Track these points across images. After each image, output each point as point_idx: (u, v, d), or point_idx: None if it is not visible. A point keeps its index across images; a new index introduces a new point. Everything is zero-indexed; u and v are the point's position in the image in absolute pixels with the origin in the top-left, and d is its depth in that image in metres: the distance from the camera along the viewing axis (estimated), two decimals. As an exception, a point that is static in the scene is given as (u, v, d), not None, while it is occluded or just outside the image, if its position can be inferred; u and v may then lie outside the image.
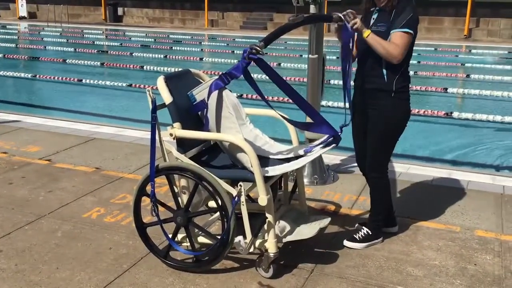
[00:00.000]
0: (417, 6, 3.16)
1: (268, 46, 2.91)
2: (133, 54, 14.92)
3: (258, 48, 2.77)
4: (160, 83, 3.00)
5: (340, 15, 3.08)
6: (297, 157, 3.10)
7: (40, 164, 4.90)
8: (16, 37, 20.40)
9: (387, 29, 3.11)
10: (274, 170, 2.94)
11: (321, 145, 3.10)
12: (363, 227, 3.43)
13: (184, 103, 3.04)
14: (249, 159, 2.80)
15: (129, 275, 3.03)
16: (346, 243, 3.38)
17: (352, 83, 3.28)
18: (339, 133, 3.07)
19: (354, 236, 3.40)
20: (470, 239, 3.52)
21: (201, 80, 3.30)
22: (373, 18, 3.22)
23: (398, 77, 3.16)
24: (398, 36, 3.06)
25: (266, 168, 2.93)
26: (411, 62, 3.26)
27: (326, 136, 3.12)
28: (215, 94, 2.95)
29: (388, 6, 3.12)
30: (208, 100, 2.98)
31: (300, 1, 4.35)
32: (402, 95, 3.22)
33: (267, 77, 2.92)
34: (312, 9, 4.33)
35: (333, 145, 3.08)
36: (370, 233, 3.40)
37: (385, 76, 3.15)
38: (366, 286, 2.95)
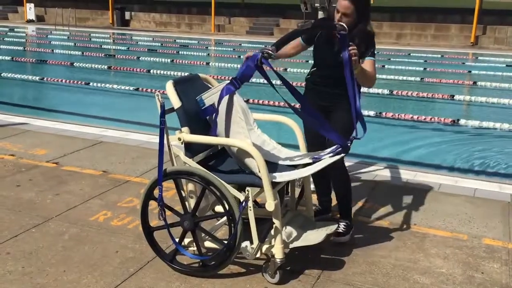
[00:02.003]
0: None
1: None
2: (140, 58, 14.99)
3: (271, 52, 2.78)
4: (169, 87, 3.01)
5: (344, 24, 3.07)
6: (305, 164, 3.11)
7: (47, 167, 4.92)
8: (24, 40, 20.51)
9: (360, 55, 3.21)
10: (282, 176, 2.94)
11: (330, 154, 3.11)
12: (340, 220, 3.55)
13: (193, 108, 3.05)
14: (257, 165, 2.81)
15: (136, 278, 3.03)
16: (335, 239, 3.47)
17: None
18: (349, 143, 3.08)
19: (338, 231, 3.48)
20: (478, 247, 3.51)
21: (209, 85, 3.31)
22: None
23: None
24: (371, 64, 3.31)
25: (274, 174, 2.93)
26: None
27: (335, 146, 3.14)
28: (225, 98, 2.96)
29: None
30: (218, 105, 2.99)
31: (308, 7, 4.36)
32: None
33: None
34: (320, 15, 4.34)
35: (342, 155, 3.09)
36: (349, 223, 3.54)
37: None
38: (373, 293, 2.95)
